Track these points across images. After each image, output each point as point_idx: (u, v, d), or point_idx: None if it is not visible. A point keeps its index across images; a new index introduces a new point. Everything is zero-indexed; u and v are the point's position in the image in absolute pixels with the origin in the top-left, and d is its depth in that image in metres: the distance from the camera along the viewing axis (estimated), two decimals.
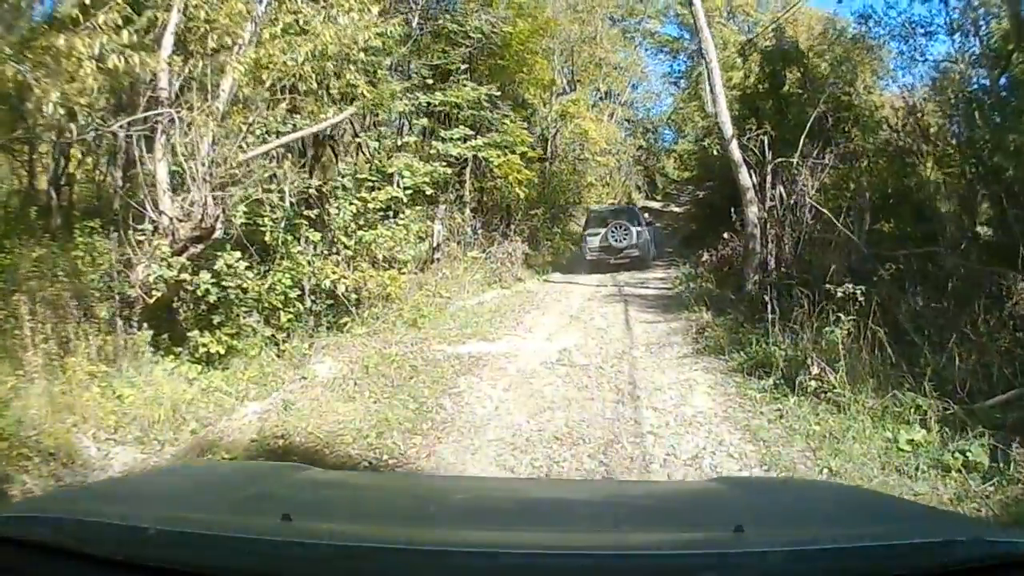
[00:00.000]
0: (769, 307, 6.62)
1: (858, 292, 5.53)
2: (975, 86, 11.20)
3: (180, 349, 6.11)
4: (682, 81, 34.48)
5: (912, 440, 4.42)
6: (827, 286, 5.91)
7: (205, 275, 6.16)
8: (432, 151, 11.77)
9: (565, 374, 6.73)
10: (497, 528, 1.55)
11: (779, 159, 9.70)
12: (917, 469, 4.07)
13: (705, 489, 2.44)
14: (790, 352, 5.98)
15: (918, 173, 11.23)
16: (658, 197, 35.57)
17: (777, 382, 5.71)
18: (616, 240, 15.91)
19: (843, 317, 5.52)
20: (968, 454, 4.09)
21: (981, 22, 11.66)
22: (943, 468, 4.04)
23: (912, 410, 4.71)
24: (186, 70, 6.16)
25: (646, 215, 19.03)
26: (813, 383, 5.25)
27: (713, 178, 17.90)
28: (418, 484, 2.80)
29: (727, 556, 1.25)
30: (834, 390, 5.07)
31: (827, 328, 5.63)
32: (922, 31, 13.43)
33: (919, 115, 11.46)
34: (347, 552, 1.23)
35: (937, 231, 9.37)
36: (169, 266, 5.82)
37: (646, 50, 34.32)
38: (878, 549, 1.26)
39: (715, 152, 16.69)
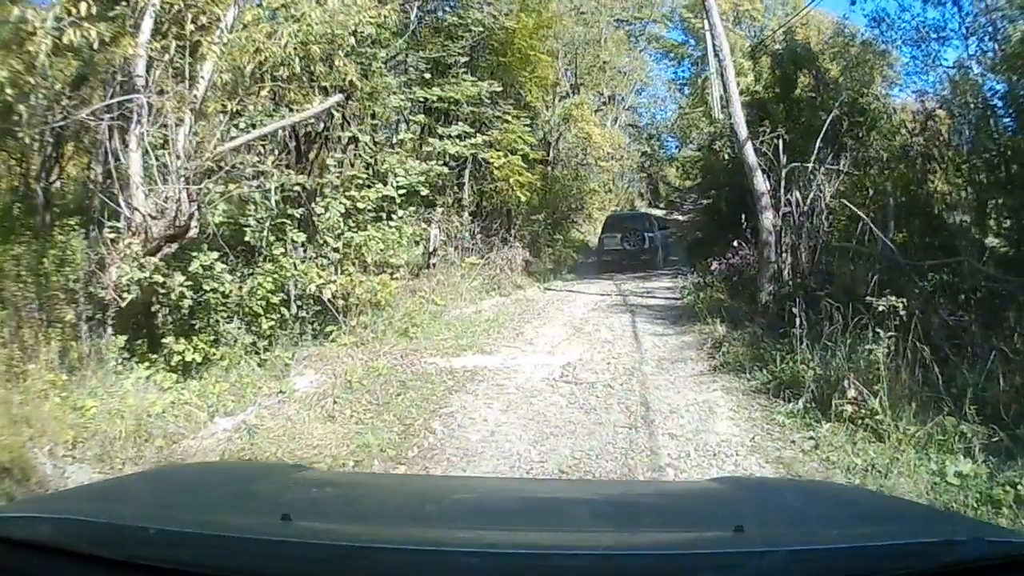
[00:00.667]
0: (798, 321, 6.10)
1: (900, 305, 5.03)
2: (991, 92, 10.88)
3: (156, 356, 5.72)
4: (686, 88, 34.23)
5: (960, 472, 4.02)
6: (868, 298, 5.39)
7: (179, 277, 5.73)
8: (429, 148, 11.27)
9: (570, 393, 6.21)
10: (496, 528, 1.54)
11: (793, 164, 9.25)
12: (967, 506, 3.71)
13: (705, 489, 2.42)
14: (820, 371, 5.46)
15: (932, 181, 10.86)
16: (661, 205, 35.18)
17: (808, 405, 5.20)
18: (630, 244, 17.76)
19: (882, 333, 5.02)
20: (1018, 487, 3.76)
21: (999, 25, 11.33)
22: (993, 503, 3.70)
23: (956, 437, 4.31)
24: (165, 57, 5.72)
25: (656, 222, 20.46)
26: (849, 407, 4.75)
27: (719, 185, 17.57)
28: (417, 484, 2.84)
29: (727, 556, 1.24)
30: (874, 416, 4.58)
31: (866, 345, 5.12)
32: (935, 36, 13.13)
33: (935, 120, 11.10)
34: (346, 552, 1.24)
35: (956, 242, 8.99)
36: (141, 267, 5.40)
37: (650, 55, 34.10)
38: (878, 549, 1.26)
39: (724, 156, 16.45)
